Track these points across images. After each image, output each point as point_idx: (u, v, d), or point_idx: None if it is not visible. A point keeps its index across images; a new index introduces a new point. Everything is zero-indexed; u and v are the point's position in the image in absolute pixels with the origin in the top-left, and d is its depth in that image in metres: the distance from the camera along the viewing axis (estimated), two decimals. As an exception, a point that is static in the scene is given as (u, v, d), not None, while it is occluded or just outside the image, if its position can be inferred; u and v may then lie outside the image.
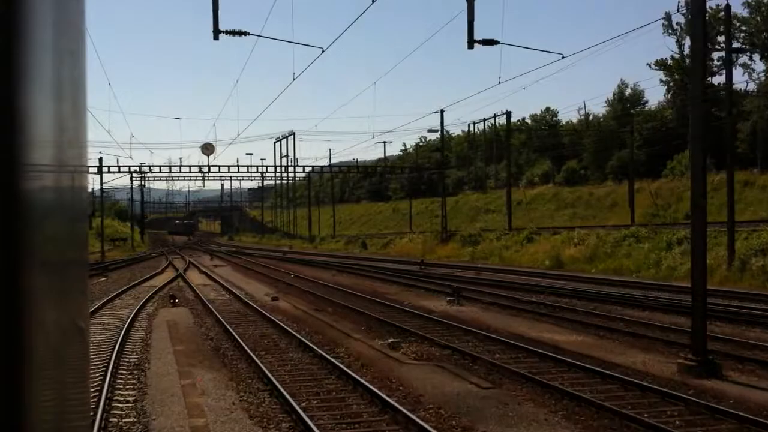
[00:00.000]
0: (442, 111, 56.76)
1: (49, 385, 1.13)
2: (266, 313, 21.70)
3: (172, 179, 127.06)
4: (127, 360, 14.93)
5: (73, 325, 1.37)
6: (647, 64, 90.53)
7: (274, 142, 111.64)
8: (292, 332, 17.76)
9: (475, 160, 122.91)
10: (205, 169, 56.18)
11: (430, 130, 57.20)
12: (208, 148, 53.22)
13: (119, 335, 17.43)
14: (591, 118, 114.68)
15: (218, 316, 21.31)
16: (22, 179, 0.95)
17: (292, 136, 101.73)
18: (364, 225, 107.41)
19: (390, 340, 15.74)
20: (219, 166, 56.15)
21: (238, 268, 46.83)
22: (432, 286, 29.62)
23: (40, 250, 1.05)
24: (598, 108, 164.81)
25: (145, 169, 57.73)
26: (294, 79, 31.04)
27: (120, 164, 58.24)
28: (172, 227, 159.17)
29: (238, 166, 61.24)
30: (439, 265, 42.65)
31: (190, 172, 56.12)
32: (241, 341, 16.36)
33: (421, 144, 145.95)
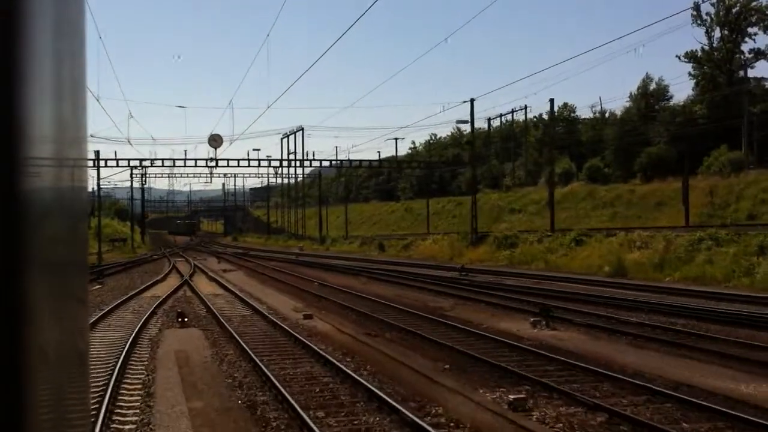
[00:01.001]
0: (472, 100, 51.71)
1: (49, 387, 1.12)
2: (303, 339, 16.59)
3: (174, 176, 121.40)
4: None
5: (73, 327, 1.33)
6: (676, 56, 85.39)
7: (281, 138, 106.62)
8: (351, 374, 12.65)
9: (490, 157, 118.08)
10: (212, 163, 50.99)
11: (459, 121, 52.17)
12: (216, 140, 48.13)
13: (111, 377, 12.36)
14: (607, 114, 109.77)
15: (242, 343, 16.22)
16: (22, 179, 0.95)
17: (301, 131, 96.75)
18: (375, 225, 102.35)
19: (511, 397, 10.58)
20: (227, 159, 51.09)
21: (250, 274, 41.71)
22: (494, 299, 24.49)
23: (40, 250, 1.04)
24: (610, 105, 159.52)
25: (146, 163, 52.72)
26: (307, 70, 26.07)
27: (118, 157, 53.25)
28: (173, 227, 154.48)
29: (248, 159, 56.11)
30: (481, 270, 37.51)
31: (196, 166, 51.12)
32: (284, 391, 11.27)
33: (431, 141, 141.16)
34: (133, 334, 17.60)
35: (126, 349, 15.51)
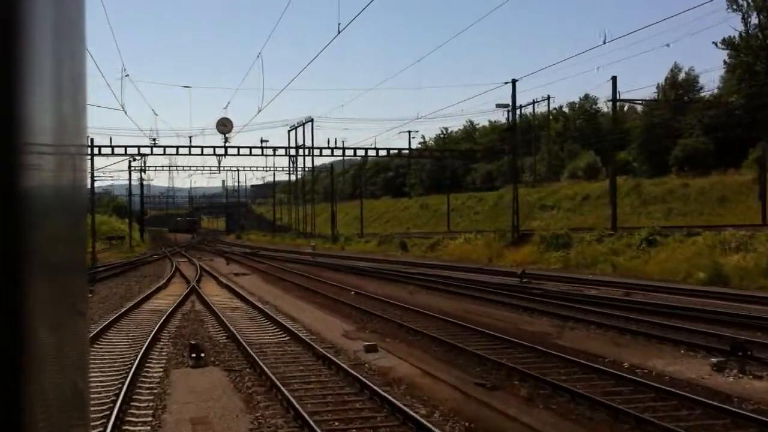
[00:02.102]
0: (514, 81, 45.74)
1: (49, 387, 1.11)
2: (391, 398, 10.67)
3: (177, 168, 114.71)
4: None
5: (73, 328, 1.32)
6: (713, 42, 79.63)
7: (288, 131, 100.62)
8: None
9: (506, 151, 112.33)
10: (221, 150, 44.81)
11: (498, 105, 46.14)
12: (225, 125, 42.16)
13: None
14: (626, 108, 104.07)
15: (292, 400, 10.36)
16: (22, 179, 0.95)
17: (310, 123, 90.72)
18: (388, 223, 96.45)
19: None
20: (238, 147, 45.04)
21: (267, 278, 35.74)
22: (605, 320, 18.53)
23: (40, 250, 1.04)
24: (630, 96, 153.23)
25: (146, 150, 46.34)
26: (327, 46, 20.24)
27: (114, 144, 46.76)
28: (173, 224, 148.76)
29: (261, 147, 50.01)
30: (542, 276, 31.56)
31: (202, 153, 44.78)
32: None
33: (442, 135, 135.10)
34: (128, 381, 11.72)
35: (117, 410, 9.66)
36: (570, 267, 37.44)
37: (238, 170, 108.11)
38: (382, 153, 50.03)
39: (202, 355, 13.96)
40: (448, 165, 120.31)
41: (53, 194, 1.14)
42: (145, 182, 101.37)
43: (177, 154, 43.58)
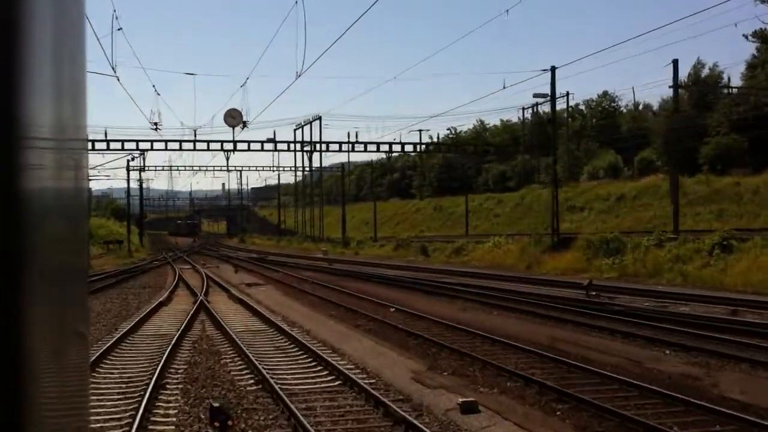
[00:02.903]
0: (553, 69, 41.17)
1: (49, 391, 1.12)
2: None
3: (178, 168, 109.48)
4: None
5: (73, 331, 1.32)
6: (743, 35, 75.31)
7: (295, 129, 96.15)
8: None
9: (519, 152, 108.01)
10: (229, 145, 39.77)
11: (536, 95, 41.47)
12: (233, 117, 37.42)
13: None
14: (641, 106, 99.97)
15: None
16: (22, 179, 0.95)
17: (318, 120, 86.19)
18: (398, 226, 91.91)
19: None
20: (249, 141, 40.17)
21: (286, 290, 31.11)
22: (743, 352, 14.02)
23: (40, 252, 1.04)
24: (643, 94, 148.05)
25: (146, 145, 41.39)
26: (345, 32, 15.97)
27: (109, 138, 41.69)
28: (173, 228, 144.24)
29: (274, 141, 45.18)
30: (609, 288, 26.96)
31: (208, 149, 39.74)
32: None
33: (451, 135, 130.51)
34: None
35: None
36: (627, 276, 32.91)
37: (241, 170, 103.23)
38: (408, 148, 45.12)
39: (230, 423, 9.36)
40: (458, 166, 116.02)
41: (53, 193, 1.12)
42: (144, 184, 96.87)
43: (180, 149, 39.03)
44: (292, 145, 46.95)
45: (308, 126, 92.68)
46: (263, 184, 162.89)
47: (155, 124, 35.78)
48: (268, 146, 43.68)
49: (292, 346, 16.43)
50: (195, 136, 38.46)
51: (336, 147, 40.84)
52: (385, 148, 43.60)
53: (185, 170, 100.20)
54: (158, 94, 40.91)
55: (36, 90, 0.99)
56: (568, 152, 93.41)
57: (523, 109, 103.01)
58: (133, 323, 19.81)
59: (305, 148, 42.56)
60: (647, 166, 76.09)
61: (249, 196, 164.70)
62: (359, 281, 35.03)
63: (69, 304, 1.28)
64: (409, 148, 44.60)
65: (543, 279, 32.48)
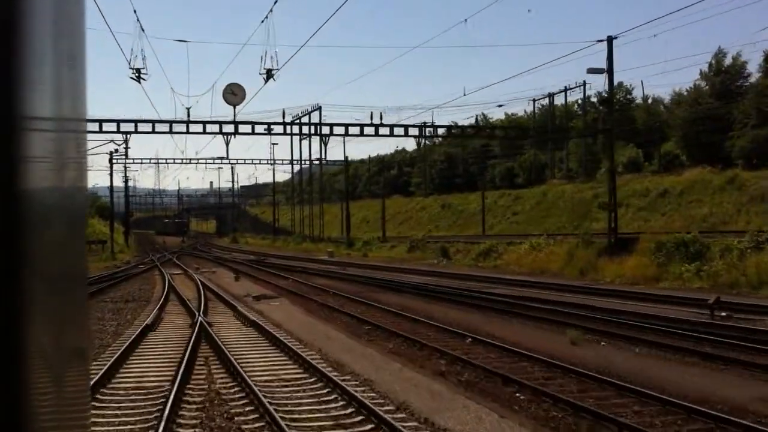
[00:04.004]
0: (610, 39, 34.81)
1: (48, 390, 1.11)
2: None
3: (166, 162, 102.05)
4: None
5: (72, 330, 1.30)
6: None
7: (291, 122, 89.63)
8: None
9: (527, 147, 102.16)
10: (228, 128, 32.77)
11: (590, 71, 34.91)
12: (235, 93, 30.87)
13: None
14: (650, 99, 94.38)
15: None
16: (22, 179, 0.95)
17: (318, 111, 79.68)
18: (402, 225, 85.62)
19: None
20: (253, 123, 33.29)
21: (308, 307, 24.39)
22: None
23: (40, 253, 1.04)
24: (652, 86, 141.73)
25: (129, 126, 34.01)
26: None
27: (90, 118, 34.79)
28: (161, 227, 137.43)
29: (283, 124, 38.26)
30: (744, 307, 20.65)
31: (204, 132, 32.87)
32: None
33: (453, 130, 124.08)
34: None
35: None
36: (719, 286, 26.73)
37: (234, 163, 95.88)
38: (440, 131, 38.37)
39: None
40: (460, 162, 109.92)
41: (53, 193, 1.12)
42: (130, 181, 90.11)
43: (170, 131, 32.35)
44: (299, 130, 40.12)
45: (306, 117, 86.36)
46: (254, 182, 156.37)
47: (138, 72, 28.53)
48: (279, 125, 36.86)
49: (363, 422, 10.06)
50: (188, 116, 32.02)
51: (356, 130, 34.33)
52: (414, 131, 36.99)
53: (173, 163, 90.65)
54: (143, 30, 33.62)
55: (36, 90, 0.97)
56: (586, 147, 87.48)
57: (534, 100, 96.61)
58: (105, 368, 13.34)
59: (316, 132, 35.94)
60: (672, 161, 70.89)
61: (238, 194, 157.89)
62: (389, 292, 28.72)
63: (69, 305, 1.25)
64: (445, 125, 37.88)
65: (624, 291, 26.22)
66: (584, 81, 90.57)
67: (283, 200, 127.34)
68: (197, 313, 20.91)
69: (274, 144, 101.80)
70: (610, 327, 17.61)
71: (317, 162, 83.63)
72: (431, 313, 21.51)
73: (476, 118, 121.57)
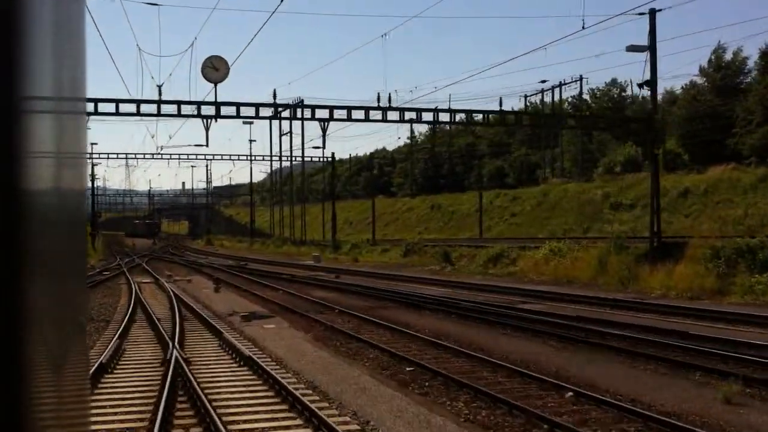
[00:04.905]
0: (653, 12, 29.93)
1: (49, 388, 1.11)
2: None
3: (133, 157, 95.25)
4: None
5: (72, 329, 1.32)
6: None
7: (270, 118, 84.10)
8: None
9: (512, 145, 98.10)
10: (209, 110, 27.05)
11: (630, 48, 29.70)
12: (216, 67, 25.43)
13: None
14: (641, 97, 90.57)
15: None
16: (22, 179, 0.95)
17: (301, 106, 74.28)
18: (389, 226, 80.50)
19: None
20: (237, 104, 27.71)
21: (313, 331, 19.01)
22: None
23: (41, 251, 1.04)
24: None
25: (89, 106, 28.77)
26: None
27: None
28: (131, 228, 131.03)
29: (276, 106, 32.76)
30: None
31: (179, 114, 27.03)
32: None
33: (436, 129, 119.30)
34: None
35: None
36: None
37: (209, 159, 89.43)
38: (464, 111, 32.95)
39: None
40: (444, 162, 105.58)
41: (53, 193, 1.12)
42: (98, 181, 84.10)
43: (138, 114, 26.62)
44: (292, 114, 34.55)
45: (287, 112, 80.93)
46: (227, 182, 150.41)
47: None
48: (269, 107, 31.19)
49: None
50: (159, 94, 26.50)
51: (361, 114, 28.89)
52: (452, 111, 31.61)
53: (144, 158, 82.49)
54: None
55: (36, 90, 0.97)
56: (580, 144, 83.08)
57: (526, 96, 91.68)
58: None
59: (312, 116, 30.26)
60: (673, 160, 67.42)
61: (212, 194, 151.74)
62: (405, 308, 23.54)
63: (68, 303, 1.23)
64: (468, 109, 32.29)
65: (704, 310, 21.25)
66: (581, 75, 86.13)
67: (258, 201, 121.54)
68: (171, 343, 15.64)
69: (252, 140, 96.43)
70: (758, 371, 12.56)
71: (299, 159, 78.36)
72: (477, 342, 16.43)
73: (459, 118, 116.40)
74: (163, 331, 17.69)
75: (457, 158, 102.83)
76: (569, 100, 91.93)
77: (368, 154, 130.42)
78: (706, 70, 73.62)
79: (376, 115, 29.28)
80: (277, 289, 30.54)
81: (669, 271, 28.74)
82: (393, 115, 29.26)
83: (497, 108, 37.49)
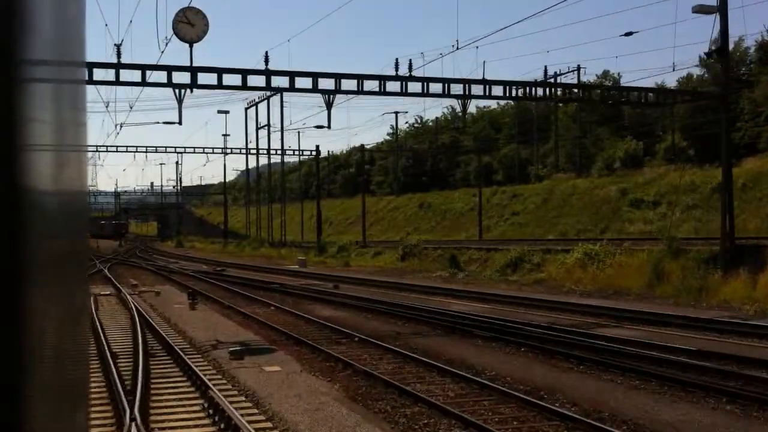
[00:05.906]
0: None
1: (49, 390, 1.11)
2: None
3: (97, 151, 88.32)
4: None
5: (72, 329, 1.33)
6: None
7: (246, 108, 78.16)
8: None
9: (499, 141, 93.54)
10: (183, 78, 21.06)
11: (696, 9, 24.30)
12: (192, 23, 19.45)
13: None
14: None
15: None
16: (22, 179, 0.95)
17: (279, 96, 68.43)
18: (374, 227, 74.94)
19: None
20: (219, 70, 21.45)
21: (337, 377, 13.29)
22: None
23: (41, 253, 1.04)
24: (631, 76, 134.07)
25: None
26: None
27: None
28: (96, 229, 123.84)
29: (266, 73, 26.56)
30: None
31: (144, 82, 20.92)
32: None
33: (417, 126, 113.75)
34: None
35: None
36: None
37: (182, 152, 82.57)
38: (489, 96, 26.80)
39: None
40: (428, 159, 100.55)
41: (53, 193, 1.11)
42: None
43: (91, 81, 20.54)
44: (290, 83, 27.68)
45: (264, 103, 74.95)
46: (196, 182, 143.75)
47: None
48: (257, 74, 24.31)
49: None
50: (119, 56, 20.25)
51: (375, 85, 22.91)
52: (457, 89, 25.16)
53: (107, 152, 73.12)
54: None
55: (36, 90, 0.97)
56: (580, 140, 78.16)
57: (517, 87, 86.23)
58: None
59: (314, 87, 23.79)
60: (678, 155, 63.62)
61: (181, 194, 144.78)
62: (450, 337, 17.76)
63: (68, 300, 1.24)
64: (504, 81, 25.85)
65: None
66: (578, 66, 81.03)
67: (231, 201, 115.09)
68: (128, 410, 9.82)
69: (225, 135, 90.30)
70: None
71: (278, 153, 72.44)
72: (600, 402, 10.78)
73: (443, 114, 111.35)
74: (118, 381, 11.84)
75: (441, 155, 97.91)
76: (566, 94, 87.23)
77: (345, 151, 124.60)
78: (706, 60, 69.10)
79: (394, 86, 23.33)
80: (268, 304, 24.61)
81: (748, 279, 23.41)
82: (414, 87, 23.36)
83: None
